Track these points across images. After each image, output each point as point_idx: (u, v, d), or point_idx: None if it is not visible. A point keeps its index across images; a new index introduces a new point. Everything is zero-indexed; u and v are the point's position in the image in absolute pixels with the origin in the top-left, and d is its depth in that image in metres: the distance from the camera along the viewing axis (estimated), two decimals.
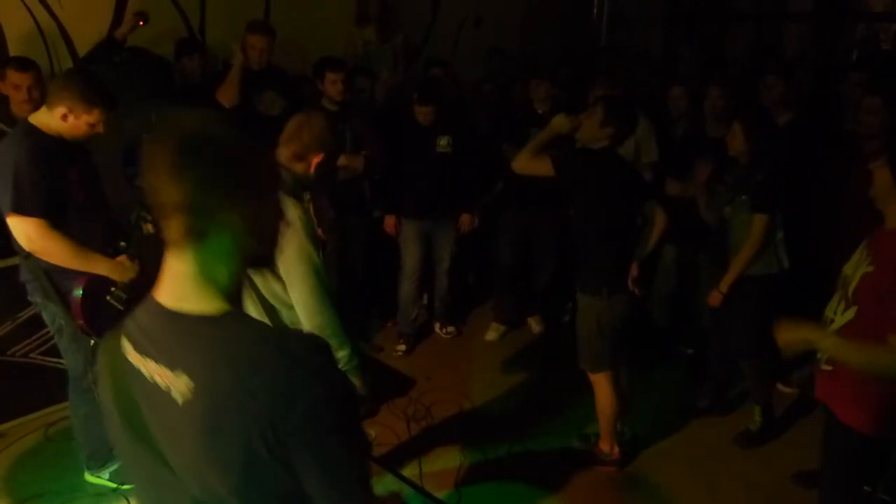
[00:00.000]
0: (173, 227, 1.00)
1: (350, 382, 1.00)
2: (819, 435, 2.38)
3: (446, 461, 3.29)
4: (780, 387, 3.83)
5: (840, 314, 2.11)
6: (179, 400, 0.98)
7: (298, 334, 1.06)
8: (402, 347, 4.33)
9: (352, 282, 4.22)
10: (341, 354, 2.29)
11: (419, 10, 5.30)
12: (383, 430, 3.49)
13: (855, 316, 2.04)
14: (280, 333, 1.05)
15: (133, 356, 1.05)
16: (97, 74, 2.74)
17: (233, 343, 0.99)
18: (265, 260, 1.16)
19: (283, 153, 2.22)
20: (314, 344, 1.02)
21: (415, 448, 3.38)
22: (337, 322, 2.22)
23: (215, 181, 0.99)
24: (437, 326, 4.59)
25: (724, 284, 3.22)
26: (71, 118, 2.53)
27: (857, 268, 2.10)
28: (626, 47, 5.90)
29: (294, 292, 2.18)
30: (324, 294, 2.17)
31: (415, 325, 4.44)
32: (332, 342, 2.17)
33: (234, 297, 1.05)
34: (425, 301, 4.69)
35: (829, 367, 2.14)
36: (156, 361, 1.01)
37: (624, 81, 4.00)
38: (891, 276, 1.95)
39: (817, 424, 2.61)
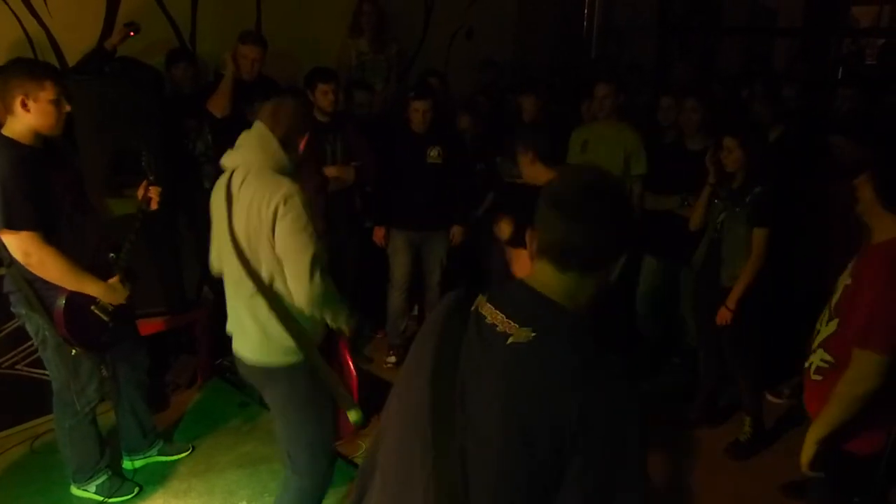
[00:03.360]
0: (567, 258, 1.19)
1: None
2: None
3: None
4: (770, 397, 3.83)
5: (824, 325, 2.14)
6: (510, 340, 1.15)
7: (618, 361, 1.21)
8: (393, 359, 4.31)
9: (341, 293, 4.20)
10: (341, 319, 2.36)
11: (412, 21, 5.33)
12: None
13: (837, 328, 2.06)
14: (613, 359, 1.20)
15: (485, 307, 1.24)
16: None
17: (579, 334, 1.18)
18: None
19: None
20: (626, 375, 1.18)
21: None
22: (330, 290, 2.25)
23: (623, 229, 1.22)
24: None
25: (731, 301, 3.20)
26: (30, 103, 2.45)
27: (843, 280, 2.12)
28: (618, 59, 5.96)
29: (287, 261, 2.18)
30: (318, 265, 2.18)
31: (404, 337, 4.42)
32: (327, 307, 2.27)
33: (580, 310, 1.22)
34: (416, 312, 4.68)
35: (819, 378, 2.14)
36: (506, 315, 1.19)
37: (622, 87, 4.02)
38: (866, 289, 1.96)
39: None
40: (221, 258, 2.33)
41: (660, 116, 4.10)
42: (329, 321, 2.34)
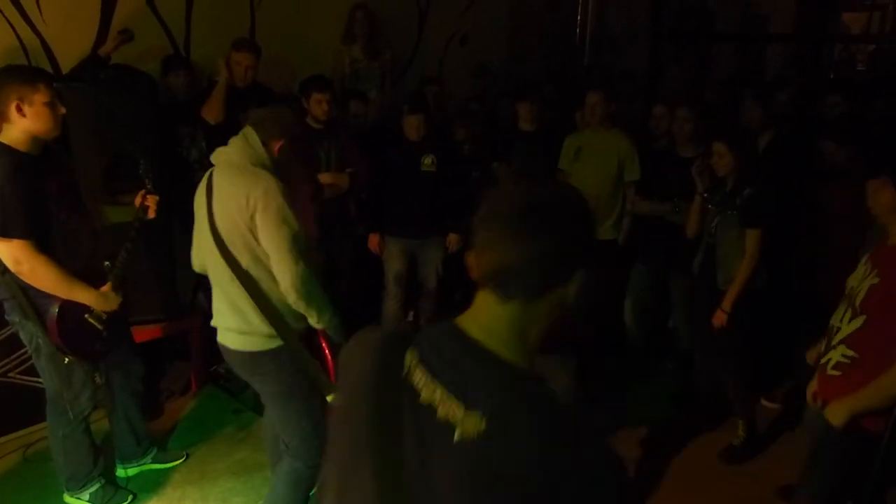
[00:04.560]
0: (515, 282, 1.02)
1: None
2: (803, 450, 2.40)
3: None
4: (764, 402, 3.84)
5: (846, 323, 2.21)
6: (458, 436, 0.95)
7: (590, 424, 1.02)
8: None
9: (336, 299, 4.20)
10: (326, 316, 2.38)
11: (405, 28, 5.35)
12: None
13: (863, 325, 2.14)
14: (579, 418, 1.00)
15: (418, 375, 1.03)
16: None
17: (538, 404, 0.98)
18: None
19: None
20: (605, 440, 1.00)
21: None
22: (313, 284, 2.30)
23: (573, 247, 1.03)
24: None
25: (727, 303, 3.22)
26: (26, 107, 2.46)
27: (862, 280, 2.19)
28: (611, 67, 5.99)
29: (272, 255, 2.26)
30: (300, 257, 2.25)
31: None
32: (310, 302, 2.32)
33: (531, 356, 1.05)
34: (410, 318, 4.68)
35: (837, 373, 2.22)
36: (446, 389, 0.99)
37: (613, 95, 4.04)
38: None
39: (801, 439, 2.63)
40: (203, 252, 2.42)
41: (652, 124, 4.12)
42: (313, 320, 2.39)
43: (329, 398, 2.39)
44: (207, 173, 2.42)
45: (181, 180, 3.81)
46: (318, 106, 3.81)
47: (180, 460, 3.33)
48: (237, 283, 2.31)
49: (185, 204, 3.75)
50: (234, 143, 2.38)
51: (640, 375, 4.17)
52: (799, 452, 2.58)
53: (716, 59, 7.56)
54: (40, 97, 2.48)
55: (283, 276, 2.27)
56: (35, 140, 2.54)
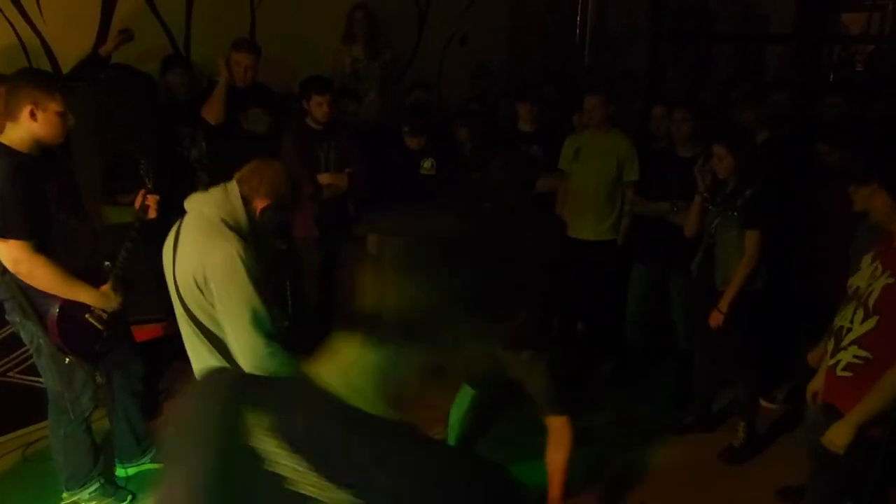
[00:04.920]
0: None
1: None
2: (802, 451, 2.40)
3: None
4: (764, 403, 3.84)
5: (858, 324, 2.20)
6: None
7: None
8: None
9: (334, 300, 4.20)
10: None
11: (406, 28, 5.34)
12: None
13: (876, 325, 2.13)
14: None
15: (267, 444, 0.86)
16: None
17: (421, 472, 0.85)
18: None
19: (241, 189, 2.15)
20: None
21: None
22: (278, 362, 2.04)
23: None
24: None
25: (724, 303, 3.22)
26: (39, 113, 2.47)
27: (871, 280, 2.19)
28: (611, 67, 5.98)
29: (228, 332, 2.06)
30: (258, 337, 2.03)
31: None
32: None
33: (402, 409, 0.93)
34: None
35: (849, 374, 2.20)
36: (308, 465, 0.84)
37: (611, 97, 4.04)
38: None
39: (801, 440, 2.63)
40: (174, 305, 2.23)
41: (651, 125, 4.12)
42: None
43: None
44: (178, 223, 2.20)
45: (181, 180, 3.81)
46: (318, 108, 3.81)
47: None
48: (202, 338, 2.13)
49: (182, 202, 3.78)
50: (213, 193, 2.13)
51: (640, 376, 4.17)
52: (799, 454, 2.59)
53: (716, 59, 7.56)
54: (55, 106, 2.50)
55: (241, 357, 2.05)
56: (37, 143, 2.55)
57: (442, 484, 0.84)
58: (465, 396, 3.06)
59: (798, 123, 4.24)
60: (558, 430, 2.78)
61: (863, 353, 2.16)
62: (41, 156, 2.58)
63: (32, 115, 2.47)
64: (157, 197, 2.87)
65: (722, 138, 3.22)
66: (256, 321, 2.03)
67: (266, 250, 2.22)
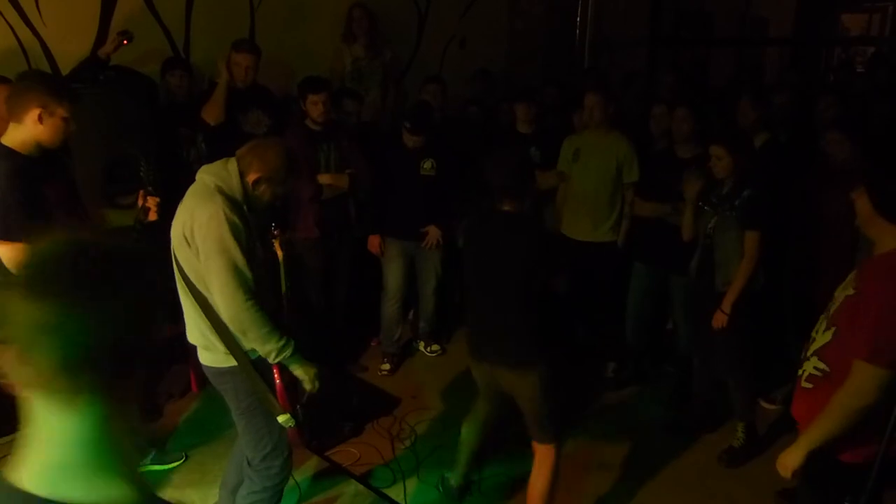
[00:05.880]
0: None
1: None
2: None
3: (431, 481, 3.27)
4: (763, 404, 3.84)
5: (820, 334, 2.12)
6: None
7: None
8: (387, 367, 4.30)
9: (336, 300, 4.20)
10: (268, 348, 2.29)
11: (405, 30, 5.36)
12: (368, 450, 3.47)
13: (832, 337, 2.05)
14: None
15: None
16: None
17: None
18: None
19: (239, 164, 2.35)
20: None
21: (399, 468, 3.36)
22: (255, 317, 2.23)
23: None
24: (421, 345, 4.57)
25: (727, 304, 3.21)
26: (46, 117, 2.48)
27: (842, 290, 2.11)
28: (610, 70, 5.99)
29: (211, 284, 2.24)
30: (238, 289, 2.21)
31: (398, 345, 4.42)
32: (251, 335, 2.25)
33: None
34: (410, 317, 4.68)
35: (809, 385, 2.13)
36: None
37: (611, 97, 4.04)
38: (866, 300, 1.95)
39: None
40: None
41: (651, 125, 4.12)
42: (259, 351, 2.32)
43: (280, 419, 2.37)
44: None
45: (181, 182, 3.81)
46: (313, 107, 3.81)
47: (180, 462, 3.33)
48: (191, 298, 2.31)
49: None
50: (215, 164, 2.37)
51: (639, 378, 4.17)
52: None
53: (714, 62, 7.57)
54: (62, 112, 2.51)
55: (222, 307, 2.25)
56: (38, 145, 2.55)
57: None
58: (478, 412, 3.00)
59: (797, 125, 4.24)
60: (542, 456, 2.74)
61: (821, 366, 2.07)
62: (41, 158, 2.58)
63: (40, 118, 2.48)
64: (158, 199, 2.87)
65: (720, 139, 3.22)
66: (237, 274, 2.21)
67: (259, 219, 2.42)
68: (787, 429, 3.63)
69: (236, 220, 2.23)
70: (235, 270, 2.21)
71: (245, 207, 2.32)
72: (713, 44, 7.87)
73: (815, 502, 2.25)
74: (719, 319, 3.25)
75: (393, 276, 4.23)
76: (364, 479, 3.26)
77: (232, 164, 2.34)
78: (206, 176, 2.32)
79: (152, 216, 2.86)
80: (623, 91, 5.11)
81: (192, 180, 3.84)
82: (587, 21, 6.42)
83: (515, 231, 2.63)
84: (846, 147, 3.37)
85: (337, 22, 4.77)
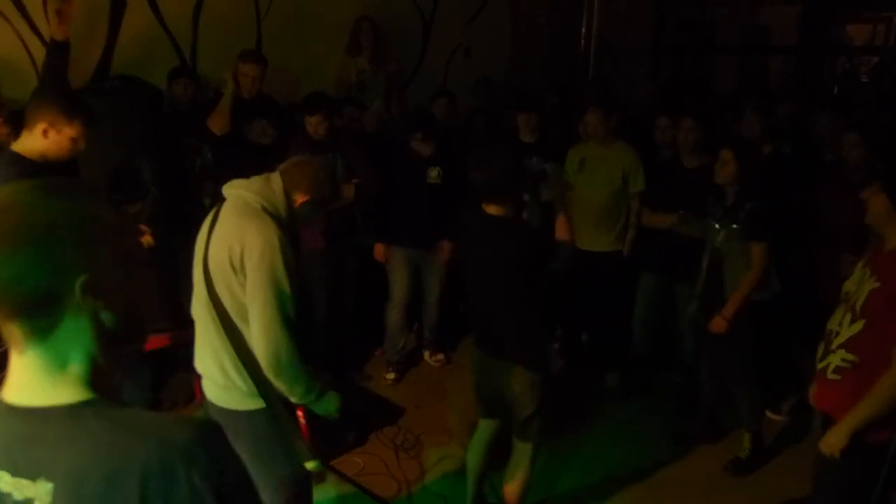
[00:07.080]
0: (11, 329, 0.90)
1: (236, 456, 0.94)
2: (809, 463, 2.38)
3: (436, 491, 3.25)
4: (770, 414, 3.82)
5: (846, 327, 2.22)
6: None
7: (166, 416, 0.96)
8: (392, 376, 4.30)
9: (341, 309, 4.20)
10: (299, 389, 2.10)
11: (410, 40, 5.38)
12: (372, 459, 3.46)
13: (863, 328, 2.15)
14: (147, 417, 0.94)
15: None
16: (71, 90, 2.73)
17: (94, 434, 0.87)
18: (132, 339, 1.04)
19: (283, 181, 2.18)
20: (187, 422, 0.91)
21: (404, 478, 3.35)
22: (292, 356, 2.05)
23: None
24: (426, 354, 4.57)
25: (728, 311, 3.21)
26: (52, 133, 2.50)
27: (860, 284, 2.21)
28: (613, 79, 6.01)
29: (252, 314, 2.05)
30: (283, 325, 2.03)
31: (402, 354, 4.42)
32: (284, 376, 2.06)
33: (97, 382, 0.93)
34: (415, 328, 4.67)
35: (837, 377, 2.21)
36: (11, 474, 0.87)
37: (612, 109, 4.05)
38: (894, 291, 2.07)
39: (807, 452, 2.61)
40: (194, 294, 2.21)
41: (657, 135, 4.13)
42: (285, 393, 2.11)
43: (308, 466, 2.18)
44: (215, 208, 2.21)
45: (186, 191, 3.83)
46: (311, 128, 3.82)
47: None
48: (219, 327, 2.10)
49: (189, 214, 3.79)
50: (254, 181, 2.16)
51: (645, 386, 4.16)
52: (805, 466, 2.57)
53: (718, 70, 7.58)
54: (70, 131, 2.53)
55: (260, 343, 2.03)
56: (43, 156, 2.58)
57: None
58: (482, 433, 2.94)
59: (801, 136, 4.24)
60: (519, 455, 2.75)
61: (850, 357, 2.18)
62: (48, 165, 2.60)
63: (45, 133, 2.51)
64: (149, 230, 2.93)
65: (731, 144, 3.24)
66: (281, 303, 2.03)
67: (296, 242, 2.24)
68: (794, 440, 3.62)
69: (286, 247, 2.05)
70: (282, 305, 2.03)
71: (288, 229, 2.13)
72: (717, 51, 7.88)
73: (838, 483, 2.30)
74: (719, 324, 3.25)
75: (398, 284, 4.23)
76: (368, 488, 3.25)
77: (276, 181, 2.15)
78: (247, 193, 2.11)
79: (146, 243, 2.90)
80: (626, 98, 5.11)
81: (197, 190, 3.88)
82: (591, 28, 6.44)
83: (502, 234, 2.58)
84: (861, 150, 3.39)
85: (342, 33, 4.79)
